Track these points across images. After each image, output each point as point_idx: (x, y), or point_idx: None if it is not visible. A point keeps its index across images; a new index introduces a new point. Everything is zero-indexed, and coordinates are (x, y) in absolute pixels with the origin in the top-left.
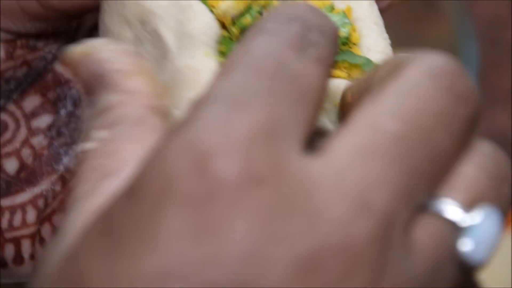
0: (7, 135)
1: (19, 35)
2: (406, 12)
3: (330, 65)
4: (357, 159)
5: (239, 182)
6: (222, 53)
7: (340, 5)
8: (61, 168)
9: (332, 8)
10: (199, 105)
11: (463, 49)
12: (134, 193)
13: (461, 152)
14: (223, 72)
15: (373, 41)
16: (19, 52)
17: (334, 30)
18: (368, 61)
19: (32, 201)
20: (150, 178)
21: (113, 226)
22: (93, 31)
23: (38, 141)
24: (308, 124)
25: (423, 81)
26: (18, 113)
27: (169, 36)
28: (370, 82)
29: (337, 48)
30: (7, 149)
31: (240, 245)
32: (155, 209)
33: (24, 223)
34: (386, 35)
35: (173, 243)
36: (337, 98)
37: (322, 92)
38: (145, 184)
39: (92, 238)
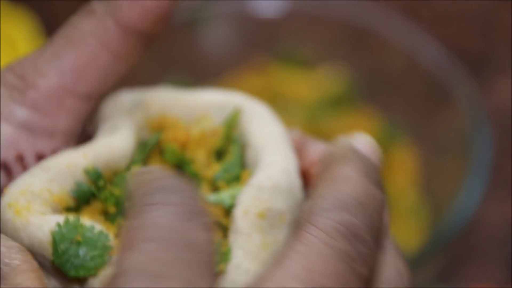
0: None
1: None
2: (419, 103)
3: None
4: None
5: None
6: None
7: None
8: None
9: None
10: (117, 278)
11: (476, 139)
12: None
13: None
14: (129, 245)
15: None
16: None
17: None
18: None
19: None
20: None
21: None
22: None
23: None
24: (211, 283)
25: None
26: None
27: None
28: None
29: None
30: None
31: None
32: None
33: None
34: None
35: None
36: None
37: (213, 254)
38: None
39: None
